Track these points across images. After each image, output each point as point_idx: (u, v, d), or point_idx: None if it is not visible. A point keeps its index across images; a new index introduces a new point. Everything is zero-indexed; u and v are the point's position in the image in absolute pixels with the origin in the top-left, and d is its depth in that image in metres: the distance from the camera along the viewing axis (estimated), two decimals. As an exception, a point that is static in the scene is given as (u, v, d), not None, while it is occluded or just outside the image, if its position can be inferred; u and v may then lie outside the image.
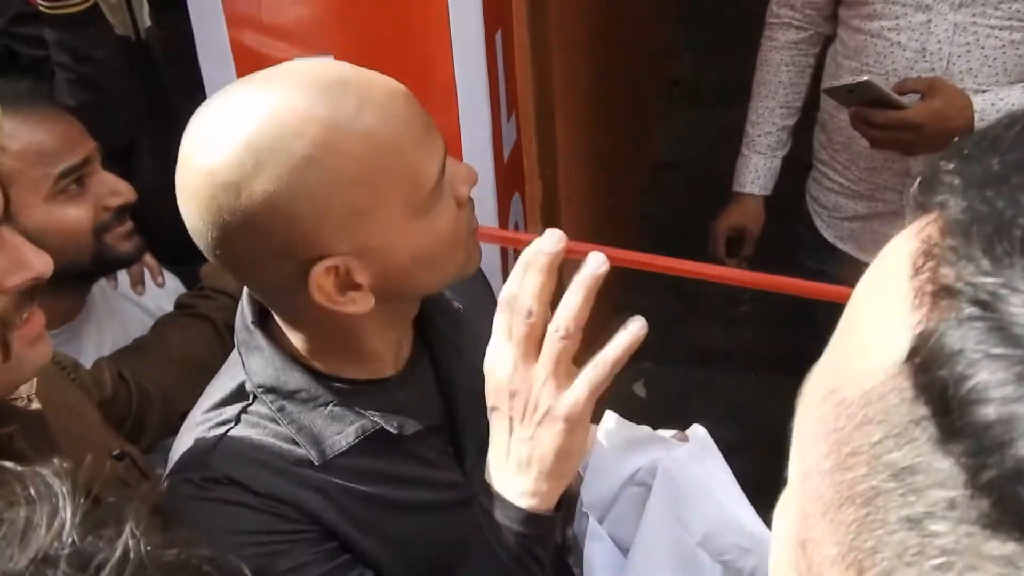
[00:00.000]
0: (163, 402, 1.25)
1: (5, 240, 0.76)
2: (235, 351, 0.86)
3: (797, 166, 1.78)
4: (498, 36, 1.33)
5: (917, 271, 0.27)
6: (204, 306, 1.32)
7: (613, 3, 2.42)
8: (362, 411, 0.82)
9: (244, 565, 0.45)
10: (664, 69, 3.33)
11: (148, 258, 1.38)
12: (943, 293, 0.26)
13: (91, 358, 1.26)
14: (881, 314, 0.28)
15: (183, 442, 0.85)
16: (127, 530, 0.40)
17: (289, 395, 0.82)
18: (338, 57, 1.10)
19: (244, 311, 0.84)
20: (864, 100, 1.40)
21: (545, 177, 1.63)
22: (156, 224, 1.47)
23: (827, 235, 1.69)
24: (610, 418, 1.01)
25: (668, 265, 1.48)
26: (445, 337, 0.90)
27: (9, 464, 0.43)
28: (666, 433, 1.02)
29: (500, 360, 0.72)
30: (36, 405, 0.87)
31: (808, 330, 1.83)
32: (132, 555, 0.39)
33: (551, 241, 0.72)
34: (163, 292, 1.39)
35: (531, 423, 0.71)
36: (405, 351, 0.88)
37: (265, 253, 0.72)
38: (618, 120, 2.58)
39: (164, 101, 1.49)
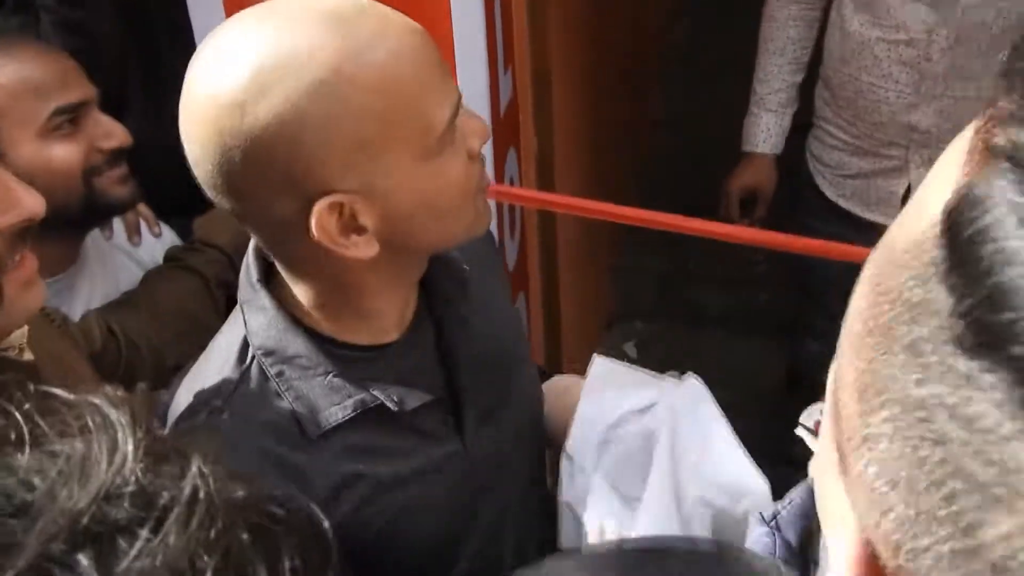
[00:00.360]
0: (153, 356, 1.24)
1: None
2: (236, 308, 0.83)
3: (796, 125, 1.77)
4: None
5: (976, 133, 0.27)
6: (194, 259, 1.30)
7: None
8: (362, 383, 0.80)
9: (313, 504, 0.43)
10: (663, 30, 3.29)
11: (143, 208, 1.36)
12: (989, 152, 0.26)
13: (80, 311, 1.25)
14: (938, 177, 0.29)
15: (175, 404, 0.83)
16: (194, 467, 0.37)
17: (288, 360, 0.79)
18: None
19: (249, 267, 0.82)
20: None
21: (541, 133, 1.61)
22: (148, 175, 1.46)
23: (829, 194, 1.68)
24: (599, 363, 1.00)
25: (662, 221, 1.48)
26: (451, 302, 0.87)
27: (59, 391, 0.39)
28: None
29: None
30: (29, 356, 0.85)
31: (804, 294, 1.85)
32: (202, 494, 0.37)
33: None
34: (159, 244, 1.37)
35: None
36: (409, 314, 0.85)
37: (267, 185, 0.69)
38: (616, 79, 2.55)
39: (153, 48, 1.45)
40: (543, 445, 1.03)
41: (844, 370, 0.30)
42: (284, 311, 0.80)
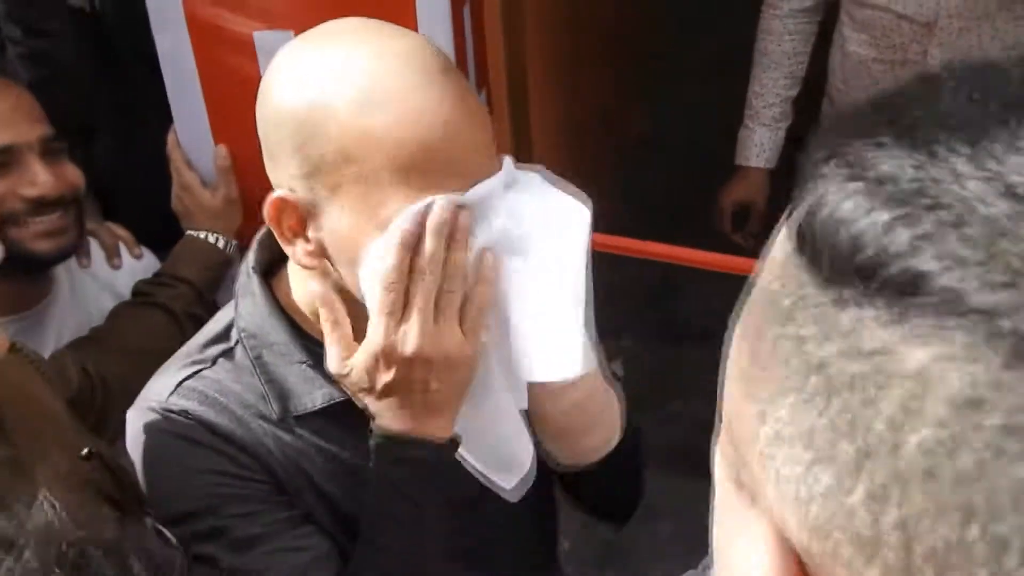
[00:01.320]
0: (124, 396, 1.22)
1: None
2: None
3: (797, 140, 1.76)
4: (466, 10, 1.29)
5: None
6: (162, 294, 1.28)
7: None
8: (332, 378, 0.82)
9: (171, 549, 0.45)
10: (644, 42, 3.29)
11: (122, 231, 1.35)
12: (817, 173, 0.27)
13: (51, 345, 1.23)
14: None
15: (160, 372, 0.89)
16: (42, 504, 0.41)
17: (268, 345, 0.84)
18: (297, 31, 1.06)
19: (249, 255, 0.87)
20: None
21: (519, 155, 1.59)
22: (119, 206, 1.44)
23: None
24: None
25: (645, 250, 1.46)
26: None
27: None
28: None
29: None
30: None
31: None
32: (53, 529, 0.40)
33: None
34: (140, 270, 1.35)
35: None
36: None
37: (269, 157, 0.76)
38: (595, 95, 2.54)
39: (121, 77, 1.44)
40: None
41: (729, 400, 0.30)
42: (272, 300, 0.85)
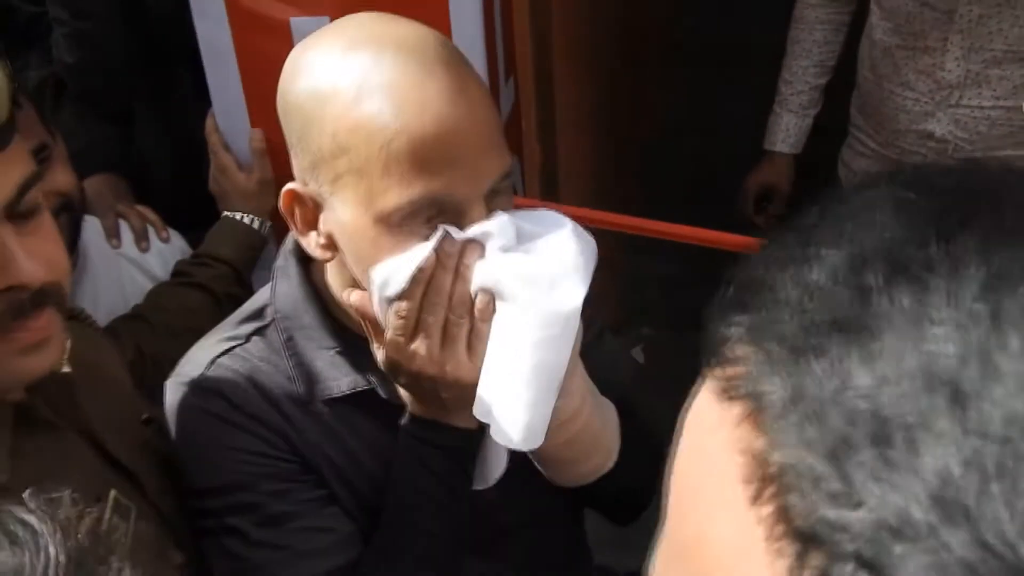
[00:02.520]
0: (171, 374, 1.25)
1: None
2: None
3: (830, 130, 1.78)
4: (496, 2, 1.31)
5: (756, 499, 0.24)
6: (202, 275, 1.31)
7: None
8: (360, 366, 0.84)
9: None
10: (664, 31, 3.29)
11: (150, 213, 1.37)
12: (807, 539, 0.23)
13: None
14: (726, 552, 0.25)
15: (197, 345, 0.91)
16: (114, 568, 0.40)
17: (300, 328, 0.86)
18: (333, 16, 1.09)
19: (289, 238, 0.88)
20: None
21: (543, 141, 1.62)
22: (156, 188, 1.48)
23: None
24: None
25: (667, 231, 1.48)
26: None
27: None
28: None
29: None
30: (66, 369, 0.84)
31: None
32: None
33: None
34: (168, 252, 1.38)
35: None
36: None
37: (291, 146, 0.78)
38: (618, 83, 2.55)
39: (162, 62, 1.47)
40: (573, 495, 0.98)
41: None
42: (307, 284, 0.86)
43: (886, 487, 0.21)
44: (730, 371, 0.26)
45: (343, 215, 0.75)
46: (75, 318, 1.02)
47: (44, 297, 0.72)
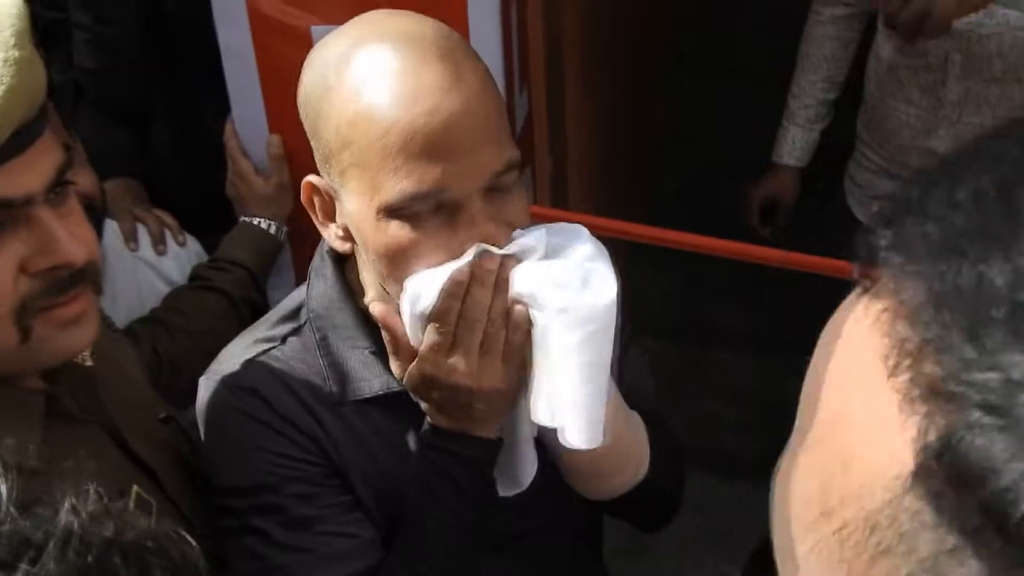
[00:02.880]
0: (189, 374, 1.26)
1: (38, 219, 0.73)
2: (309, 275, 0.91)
3: (836, 146, 1.80)
4: (513, 9, 1.33)
5: (895, 371, 0.26)
6: (219, 279, 1.32)
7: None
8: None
9: (191, 549, 0.45)
10: (669, 41, 3.32)
11: (167, 217, 1.38)
12: (938, 396, 0.25)
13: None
14: (863, 422, 0.27)
15: (232, 343, 0.92)
16: (66, 506, 0.40)
17: (334, 328, 0.86)
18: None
19: (324, 240, 0.88)
20: None
21: (555, 151, 1.64)
22: (172, 192, 1.49)
23: (857, 213, 1.72)
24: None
25: (675, 239, 1.50)
26: None
27: None
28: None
29: None
30: (89, 363, 0.86)
31: (820, 313, 1.86)
32: (76, 527, 0.39)
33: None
34: (184, 256, 1.40)
35: None
36: None
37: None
38: (625, 94, 2.58)
39: (181, 68, 1.49)
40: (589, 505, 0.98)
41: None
42: (343, 283, 0.87)
43: (1017, 354, 0.23)
44: (876, 275, 0.28)
45: (351, 207, 0.77)
46: None
47: (83, 275, 0.77)
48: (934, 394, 0.25)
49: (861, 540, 0.26)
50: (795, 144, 1.79)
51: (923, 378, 0.25)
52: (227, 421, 0.87)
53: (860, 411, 0.27)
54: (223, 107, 1.37)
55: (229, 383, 0.87)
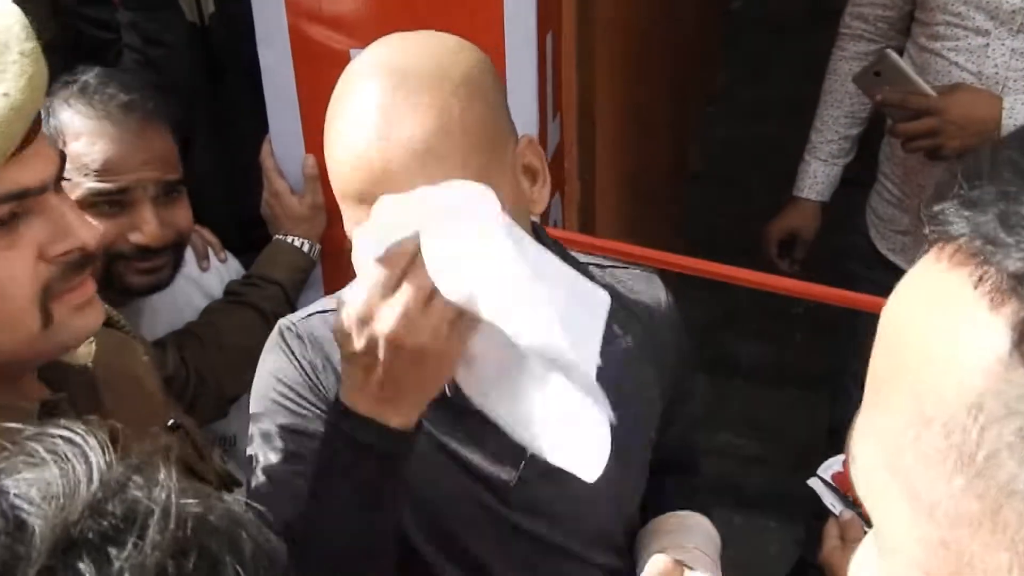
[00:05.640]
0: (217, 389, 1.29)
1: (52, 207, 0.76)
2: None
3: (856, 179, 1.81)
4: (548, 37, 1.36)
5: (979, 283, 0.30)
6: (253, 295, 1.35)
7: (658, 13, 2.45)
8: None
9: (269, 531, 0.46)
10: (702, 83, 3.35)
11: (209, 235, 1.41)
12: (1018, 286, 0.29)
13: (145, 335, 1.30)
14: (943, 333, 0.31)
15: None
16: (161, 480, 0.42)
17: None
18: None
19: None
20: (892, 87, 1.43)
21: (584, 179, 1.66)
22: (213, 211, 1.52)
23: (880, 246, 1.72)
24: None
25: (701, 268, 1.51)
26: None
27: (17, 425, 0.44)
28: None
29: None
30: (89, 364, 0.89)
31: (845, 348, 1.87)
32: (170, 509, 0.41)
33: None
34: (225, 272, 1.43)
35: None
36: None
37: None
38: (655, 129, 2.60)
39: (222, 88, 1.53)
40: (612, 542, 0.99)
41: (983, 558, 0.30)
42: None
43: None
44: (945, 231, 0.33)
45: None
46: (111, 325, 1.05)
47: (91, 259, 0.79)
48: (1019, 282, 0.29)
49: (969, 424, 0.29)
50: (816, 178, 1.80)
51: (1006, 276, 0.29)
52: (267, 353, 0.91)
53: (944, 325, 0.31)
54: (262, 128, 1.41)
55: (288, 324, 0.92)
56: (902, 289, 0.35)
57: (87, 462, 0.42)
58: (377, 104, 0.74)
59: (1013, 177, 0.31)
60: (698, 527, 0.99)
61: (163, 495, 0.41)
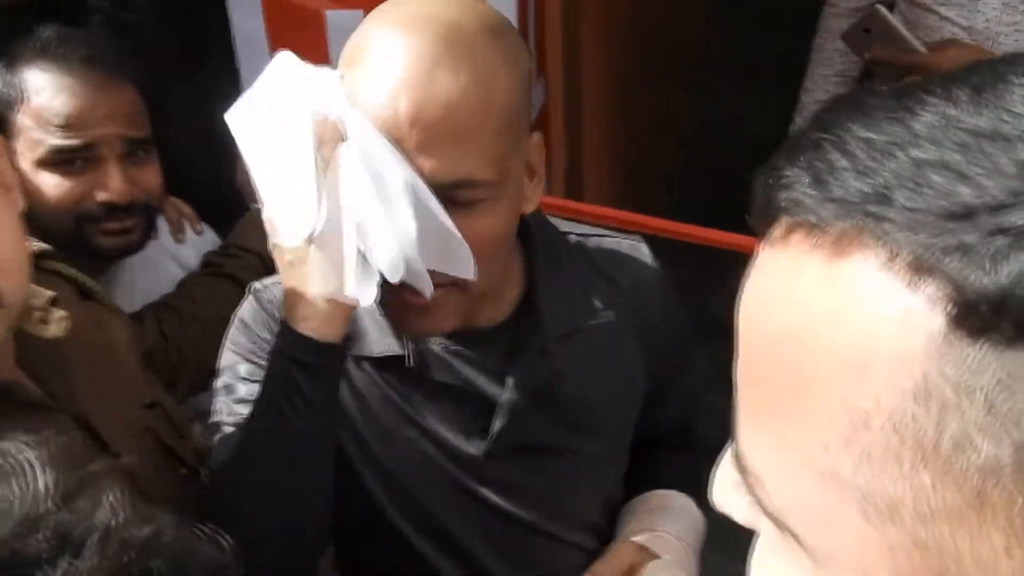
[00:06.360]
0: (196, 361, 1.26)
1: None
2: None
3: None
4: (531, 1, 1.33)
5: (889, 263, 0.28)
6: (231, 265, 1.32)
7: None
8: (399, 332, 0.83)
9: (226, 551, 0.45)
10: (694, 43, 3.30)
11: (185, 207, 1.38)
12: (953, 252, 0.27)
13: (122, 307, 1.28)
14: (857, 328, 0.29)
15: None
16: (105, 504, 0.41)
17: None
18: (366, 10, 1.10)
19: None
20: (882, 44, 1.40)
21: (571, 143, 1.63)
22: (188, 181, 1.49)
23: None
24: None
25: (690, 232, 1.49)
26: (547, 335, 0.86)
27: None
28: None
29: None
30: (55, 332, 0.83)
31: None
32: (113, 525, 0.40)
33: None
34: (202, 244, 1.39)
35: None
36: (497, 314, 0.86)
37: None
38: (646, 91, 2.56)
39: (195, 55, 1.49)
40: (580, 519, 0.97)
41: (977, 546, 0.28)
42: None
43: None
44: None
45: None
46: (89, 296, 1.02)
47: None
48: (949, 252, 0.27)
49: (920, 414, 0.27)
50: None
51: (920, 249, 0.27)
52: (238, 316, 0.90)
53: (856, 319, 0.29)
54: (237, 95, 1.37)
55: (258, 287, 0.90)
56: (771, 290, 0.33)
57: (24, 483, 0.40)
58: (422, 52, 0.69)
59: (864, 146, 0.29)
60: (680, 509, 0.97)
61: (106, 517, 0.40)
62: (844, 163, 0.30)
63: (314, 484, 0.82)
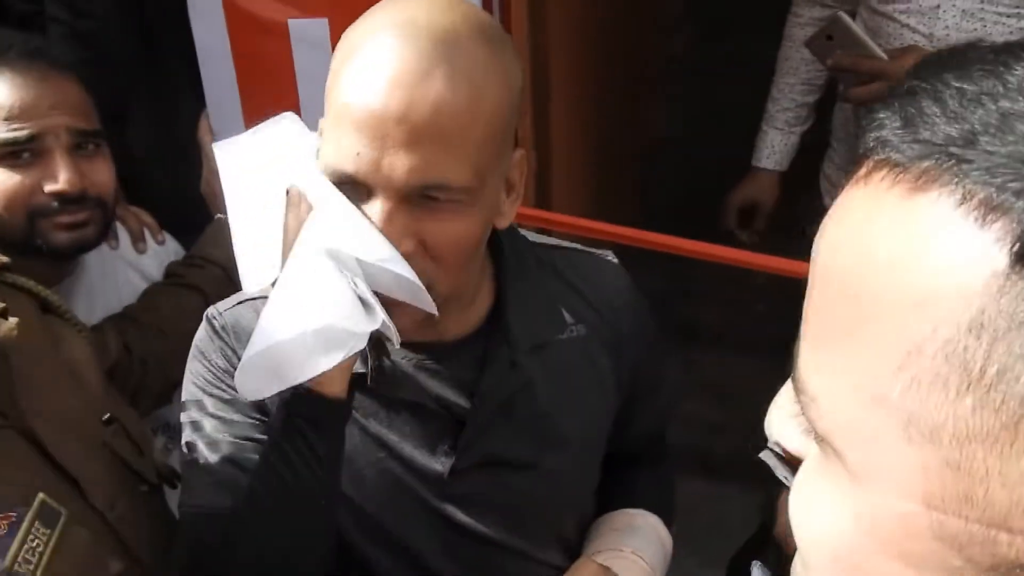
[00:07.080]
0: (160, 373, 1.25)
1: None
2: None
3: (814, 144, 1.79)
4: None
5: (963, 201, 0.30)
6: (195, 276, 1.31)
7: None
8: (364, 351, 0.82)
9: None
10: (663, 44, 3.31)
11: (146, 216, 1.37)
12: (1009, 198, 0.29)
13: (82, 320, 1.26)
14: (925, 260, 0.30)
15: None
16: None
17: None
18: (331, 17, 1.08)
19: None
20: (844, 51, 1.42)
21: (539, 148, 1.62)
22: (151, 191, 1.47)
23: None
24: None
25: (661, 242, 1.49)
26: (518, 348, 0.86)
27: None
28: None
29: None
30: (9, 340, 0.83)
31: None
32: None
33: None
34: (164, 254, 1.38)
35: None
36: (465, 327, 0.86)
37: None
38: (615, 94, 2.56)
39: (158, 64, 1.47)
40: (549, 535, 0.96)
41: (999, 483, 0.30)
42: None
43: None
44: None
45: None
46: (52, 311, 1.01)
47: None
48: (1021, 195, 0.29)
49: (971, 344, 0.29)
50: (774, 148, 1.78)
51: (992, 189, 0.29)
52: (196, 343, 0.88)
53: (924, 251, 0.30)
54: (201, 103, 1.35)
55: (215, 313, 0.87)
56: (848, 224, 0.34)
57: None
58: (419, 53, 0.69)
59: (956, 95, 0.31)
60: (646, 529, 0.97)
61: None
62: (935, 109, 0.32)
63: (318, 535, 0.82)
